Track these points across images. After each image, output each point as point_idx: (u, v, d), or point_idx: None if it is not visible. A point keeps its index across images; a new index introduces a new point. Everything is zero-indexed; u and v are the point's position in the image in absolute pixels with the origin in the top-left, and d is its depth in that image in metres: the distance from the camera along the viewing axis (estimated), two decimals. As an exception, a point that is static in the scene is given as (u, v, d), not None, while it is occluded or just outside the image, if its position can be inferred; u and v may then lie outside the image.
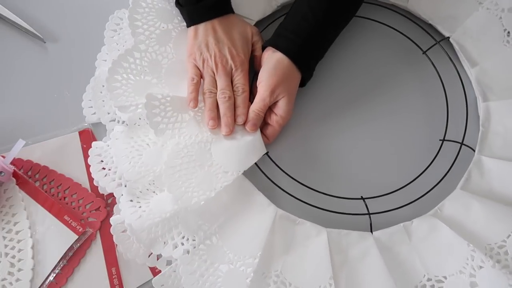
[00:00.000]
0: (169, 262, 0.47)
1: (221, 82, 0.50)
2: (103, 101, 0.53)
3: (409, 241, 0.48)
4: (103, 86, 0.53)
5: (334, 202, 0.51)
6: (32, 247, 0.47)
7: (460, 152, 0.52)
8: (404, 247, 0.48)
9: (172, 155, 0.46)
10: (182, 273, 0.44)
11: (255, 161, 0.50)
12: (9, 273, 0.46)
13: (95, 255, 0.47)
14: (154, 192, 0.48)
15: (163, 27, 0.53)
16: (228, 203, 0.49)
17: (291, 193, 0.50)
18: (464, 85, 0.54)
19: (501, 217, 0.47)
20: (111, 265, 0.47)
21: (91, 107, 0.54)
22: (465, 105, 0.53)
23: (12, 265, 0.46)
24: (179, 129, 0.49)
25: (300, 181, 0.51)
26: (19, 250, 0.46)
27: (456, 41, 0.56)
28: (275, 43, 0.50)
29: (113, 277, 0.47)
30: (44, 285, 0.46)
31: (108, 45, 0.55)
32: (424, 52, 0.56)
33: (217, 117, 0.49)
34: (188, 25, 0.52)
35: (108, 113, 0.53)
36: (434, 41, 0.56)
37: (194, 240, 0.46)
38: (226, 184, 0.46)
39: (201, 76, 0.51)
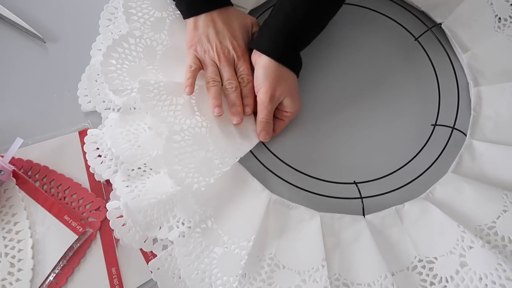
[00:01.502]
0: (164, 247, 0.48)
1: (226, 72, 0.51)
2: (98, 89, 0.54)
3: (400, 224, 0.49)
4: (98, 74, 0.54)
5: (327, 186, 0.51)
6: (32, 247, 0.47)
7: (452, 136, 0.53)
8: (396, 230, 0.49)
9: (169, 137, 0.46)
10: (177, 255, 0.45)
11: (251, 148, 0.51)
12: (9, 273, 0.45)
13: (95, 255, 0.48)
14: (149, 174, 0.48)
15: (157, 15, 0.54)
16: (223, 188, 0.49)
17: (285, 179, 0.51)
18: (456, 70, 0.55)
19: (492, 199, 0.48)
20: (111, 265, 0.47)
21: (86, 95, 0.55)
22: (457, 90, 0.54)
23: (12, 265, 0.46)
24: (174, 111, 0.49)
25: (293, 167, 0.52)
26: (19, 250, 0.46)
27: (448, 27, 0.56)
28: (259, 45, 0.51)
29: (113, 277, 0.47)
30: (44, 285, 0.46)
31: (103, 34, 0.56)
32: (416, 39, 0.57)
33: (222, 105, 0.50)
34: (186, 17, 0.52)
35: (104, 102, 0.54)
36: (426, 27, 0.57)
37: (190, 223, 0.47)
38: (225, 170, 0.47)
39: (201, 67, 0.51)
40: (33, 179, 0.50)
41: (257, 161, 0.52)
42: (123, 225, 0.47)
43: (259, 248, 0.47)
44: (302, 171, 0.52)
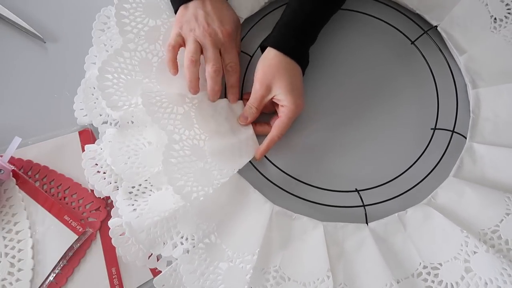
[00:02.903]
0: (169, 263, 0.48)
1: (211, 53, 0.48)
2: (95, 103, 0.53)
3: (404, 231, 0.49)
4: (94, 88, 0.53)
5: (329, 196, 0.51)
6: (32, 247, 0.47)
7: (452, 140, 0.52)
8: (400, 237, 0.49)
9: (169, 146, 0.46)
10: (183, 272, 0.45)
11: (249, 160, 0.50)
12: (9, 273, 0.46)
13: (95, 255, 0.48)
14: (151, 191, 0.48)
15: (151, 23, 0.53)
16: (225, 202, 0.49)
17: (286, 189, 0.51)
18: (453, 73, 0.55)
19: (494, 202, 0.48)
20: (111, 265, 0.47)
21: (82, 109, 0.54)
22: (455, 93, 0.54)
23: (12, 265, 0.46)
24: (174, 120, 0.48)
25: (294, 177, 0.52)
26: (19, 250, 0.46)
27: (444, 29, 0.56)
28: (266, 40, 0.51)
29: (113, 277, 0.47)
30: (44, 285, 0.46)
31: (96, 46, 0.55)
32: (412, 42, 0.57)
33: (199, 88, 0.48)
34: (178, 6, 0.50)
35: (100, 115, 0.53)
36: (422, 30, 0.56)
37: (193, 239, 0.47)
38: (223, 181, 0.47)
39: (182, 44, 0.49)
40: (33, 179, 0.50)
41: (257, 172, 0.52)
42: (126, 241, 0.47)
43: (264, 260, 0.47)
44: (303, 181, 0.52)
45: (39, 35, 0.56)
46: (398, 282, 0.46)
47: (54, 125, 0.53)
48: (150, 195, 0.48)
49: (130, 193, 0.48)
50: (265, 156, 0.52)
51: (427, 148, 0.53)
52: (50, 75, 0.56)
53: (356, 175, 0.53)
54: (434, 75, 0.55)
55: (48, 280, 0.46)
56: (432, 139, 0.53)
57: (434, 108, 0.54)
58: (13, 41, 0.57)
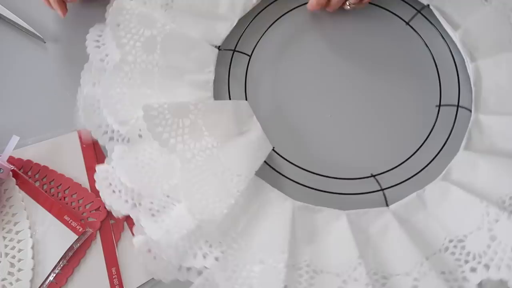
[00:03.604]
0: (199, 272, 0.47)
1: None
2: (98, 120, 0.52)
3: (424, 208, 0.50)
4: (94, 105, 0.52)
5: (345, 184, 0.52)
6: (32, 247, 0.47)
7: (458, 114, 0.53)
8: (421, 215, 0.49)
9: (183, 168, 0.46)
10: (218, 280, 0.45)
11: (264, 159, 0.50)
12: (9, 273, 0.45)
13: (95, 255, 0.47)
14: (172, 204, 0.48)
15: (147, 34, 0.52)
16: (245, 204, 0.49)
17: (303, 184, 0.51)
18: (451, 49, 0.56)
19: (508, 170, 0.49)
20: (111, 265, 0.47)
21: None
22: (455, 69, 0.55)
23: (12, 265, 0.46)
24: (182, 135, 0.48)
25: (309, 170, 0.52)
26: (19, 250, 0.46)
27: (436, 7, 0.57)
28: None
29: (113, 277, 0.47)
30: (44, 285, 0.46)
31: (94, 63, 0.53)
32: (407, 23, 0.57)
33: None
34: None
35: (106, 133, 0.52)
36: (415, 10, 0.57)
37: (222, 246, 0.46)
38: (243, 188, 0.46)
39: None
40: (33, 179, 0.50)
41: (273, 171, 0.52)
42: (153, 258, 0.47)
43: (294, 257, 0.47)
44: (319, 173, 0.52)
45: (39, 35, 0.55)
46: (427, 259, 0.47)
47: (54, 125, 0.53)
48: (172, 209, 0.47)
49: (150, 209, 0.47)
50: (276, 151, 0.52)
51: (435, 125, 0.54)
52: (50, 75, 0.55)
53: (369, 160, 0.53)
54: (432, 53, 0.56)
55: (48, 280, 0.46)
56: (439, 116, 0.54)
57: (436, 85, 0.55)
58: (13, 41, 0.56)
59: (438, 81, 0.55)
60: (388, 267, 0.47)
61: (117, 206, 0.49)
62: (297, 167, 0.52)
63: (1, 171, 0.48)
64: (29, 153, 0.51)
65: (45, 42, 0.56)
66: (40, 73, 0.55)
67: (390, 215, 0.49)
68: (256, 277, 0.45)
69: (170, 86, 0.52)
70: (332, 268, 0.47)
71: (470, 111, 0.53)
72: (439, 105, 0.54)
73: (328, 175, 0.52)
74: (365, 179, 0.52)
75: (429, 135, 0.53)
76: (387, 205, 0.50)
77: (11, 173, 0.49)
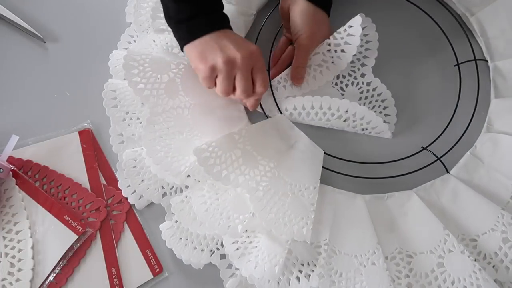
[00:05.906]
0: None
1: (241, 83, 0.45)
2: (142, 180, 0.49)
3: (483, 164, 0.48)
4: (135, 167, 0.49)
5: (401, 165, 0.49)
6: (32, 247, 0.46)
7: (478, 67, 0.52)
8: (482, 170, 0.48)
9: (253, 197, 0.45)
10: None
11: (321, 165, 0.48)
12: (9, 273, 0.45)
13: (95, 255, 0.47)
14: (255, 237, 0.46)
15: (165, 79, 0.48)
16: (323, 212, 0.47)
17: (362, 176, 0.49)
18: (451, 10, 0.55)
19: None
20: (111, 265, 0.47)
21: (129, 186, 0.49)
22: (460, 26, 0.54)
23: (12, 265, 0.45)
24: (239, 167, 0.46)
25: (363, 162, 0.50)
26: (19, 250, 0.46)
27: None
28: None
29: (113, 277, 0.46)
30: (44, 285, 0.46)
31: (118, 125, 0.51)
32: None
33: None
34: (185, 43, 0.46)
35: (158, 190, 0.49)
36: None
37: (318, 262, 0.45)
38: (315, 200, 0.45)
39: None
40: (33, 179, 0.49)
41: (323, 169, 0.49)
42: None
43: (385, 250, 0.46)
44: (370, 162, 0.50)
45: (39, 35, 0.56)
46: (503, 209, 0.45)
47: (54, 125, 0.51)
48: (259, 241, 0.45)
49: (237, 249, 0.45)
50: (327, 153, 0.50)
51: (461, 83, 0.52)
52: (50, 75, 0.54)
53: (414, 134, 0.51)
54: (434, 18, 0.54)
55: (48, 280, 0.46)
56: (461, 73, 0.52)
57: (448, 47, 0.53)
58: (13, 41, 0.56)
59: (449, 42, 0.53)
60: (471, 230, 0.45)
61: (196, 258, 0.46)
62: (349, 162, 0.49)
63: (1, 171, 0.46)
64: (29, 153, 0.50)
65: (45, 42, 0.56)
66: (40, 73, 0.55)
67: (454, 180, 0.47)
68: (365, 281, 0.44)
69: (206, 122, 0.48)
70: (425, 248, 0.45)
71: (487, 61, 0.52)
72: (458, 64, 0.52)
73: (380, 161, 0.49)
74: (419, 154, 0.49)
75: (459, 95, 0.51)
76: (447, 171, 0.48)
77: (11, 173, 0.48)
